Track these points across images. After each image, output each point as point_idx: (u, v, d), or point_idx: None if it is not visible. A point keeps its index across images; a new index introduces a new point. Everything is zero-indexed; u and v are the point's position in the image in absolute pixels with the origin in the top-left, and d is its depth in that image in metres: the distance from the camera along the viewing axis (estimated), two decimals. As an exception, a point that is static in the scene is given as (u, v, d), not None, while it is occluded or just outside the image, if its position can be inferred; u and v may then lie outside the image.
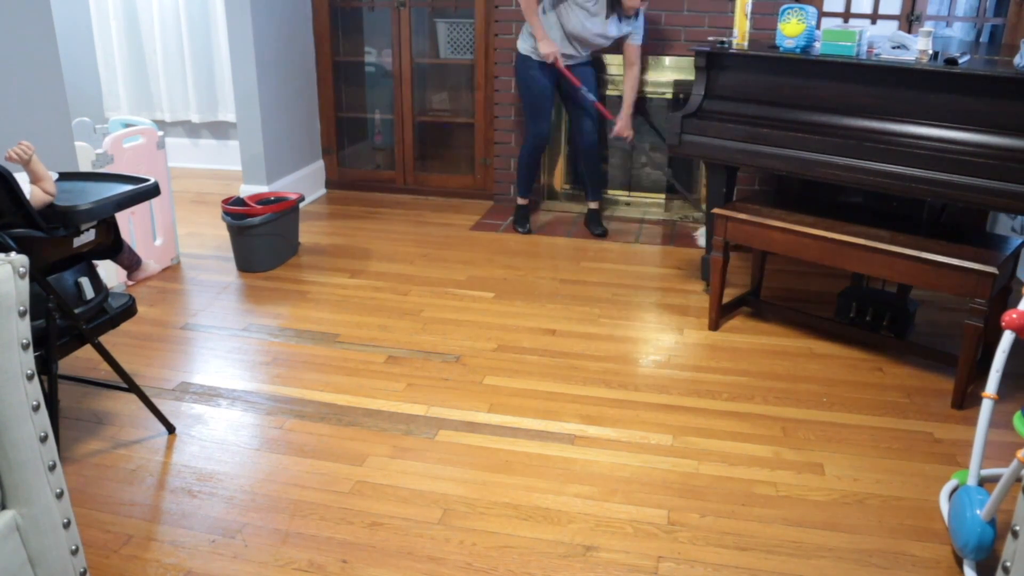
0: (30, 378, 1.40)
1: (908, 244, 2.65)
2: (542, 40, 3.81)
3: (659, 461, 2.34)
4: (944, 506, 2.13)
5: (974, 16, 4.20)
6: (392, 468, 2.29)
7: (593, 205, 4.29)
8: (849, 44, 2.88)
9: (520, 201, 4.30)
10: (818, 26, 3.10)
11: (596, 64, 4.16)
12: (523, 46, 3.95)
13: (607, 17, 3.79)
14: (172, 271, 3.72)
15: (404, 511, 2.11)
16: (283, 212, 3.73)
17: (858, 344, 3.03)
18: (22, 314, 1.39)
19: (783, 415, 2.58)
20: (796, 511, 2.13)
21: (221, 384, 2.74)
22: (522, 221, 4.28)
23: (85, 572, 1.54)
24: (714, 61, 3.20)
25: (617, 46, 4.00)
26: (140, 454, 2.35)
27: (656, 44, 4.24)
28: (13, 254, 1.38)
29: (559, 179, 4.62)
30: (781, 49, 3.04)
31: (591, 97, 3.96)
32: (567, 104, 4.13)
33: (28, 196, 1.97)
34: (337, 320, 3.22)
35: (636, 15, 3.86)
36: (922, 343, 2.99)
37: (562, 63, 3.87)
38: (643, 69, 4.10)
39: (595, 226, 4.26)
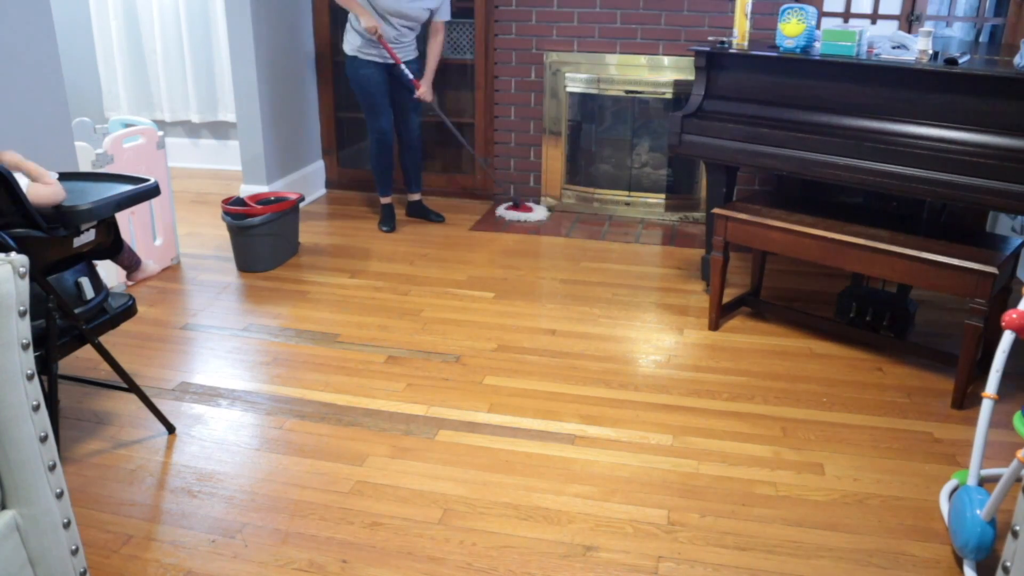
0: (30, 378, 1.40)
1: (908, 244, 2.65)
2: (364, 16, 3.86)
3: (659, 461, 2.34)
4: (944, 506, 2.13)
5: (974, 16, 4.20)
6: (392, 468, 2.29)
7: (416, 197, 4.48)
8: (849, 44, 2.88)
9: (383, 200, 4.35)
10: (818, 26, 3.10)
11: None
12: (348, 47, 4.03)
13: None
14: (172, 271, 3.72)
15: (404, 511, 2.11)
16: (283, 212, 3.73)
17: (858, 344, 3.03)
18: (22, 314, 1.39)
19: (783, 415, 2.58)
20: (796, 511, 2.13)
21: (221, 384, 2.74)
22: (387, 220, 4.32)
23: (85, 572, 1.54)
24: (714, 61, 3.20)
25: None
26: (140, 454, 2.35)
27: (656, 44, 4.24)
28: (13, 254, 1.38)
29: (558, 179, 4.63)
30: (781, 49, 3.04)
31: (408, 75, 4.05)
32: (393, 101, 4.17)
33: (26, 194, 1.97)
34: (337, 320, 3.22)
35: None
36: (922, 343, 2.99)
37: (384, 39, 3.94)
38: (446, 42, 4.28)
39: (431, 214, 4.47)
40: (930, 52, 2.76)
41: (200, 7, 5.20)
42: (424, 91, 4.11)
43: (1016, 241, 2.72)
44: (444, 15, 4.07)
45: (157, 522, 2.06)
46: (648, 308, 3.37)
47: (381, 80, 4.04)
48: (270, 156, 4.41)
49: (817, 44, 3.05)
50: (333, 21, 4.71)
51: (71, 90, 3.22)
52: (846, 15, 4.00)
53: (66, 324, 2.10)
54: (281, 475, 2.26)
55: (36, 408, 1.41)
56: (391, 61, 4.03)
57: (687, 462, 2.33)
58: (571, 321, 3.23)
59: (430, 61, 4.13)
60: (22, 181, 2.00)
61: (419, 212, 4.48)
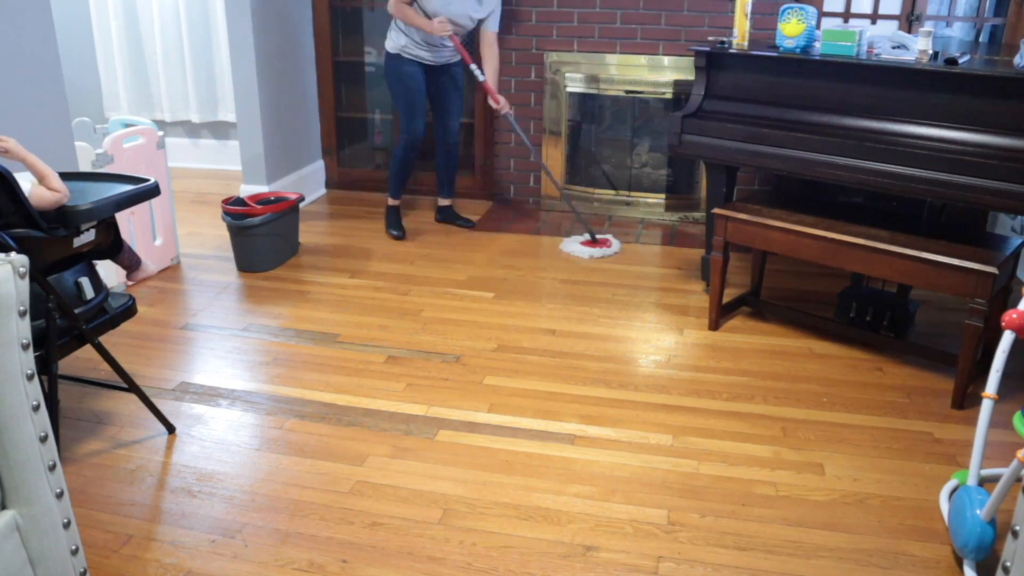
0: (30, 378, 1.40)
1: (908, 244, 2.65)
2: (430, 22, 3.77)
3: (659, 461, 2.34)
4: (944, 506, 2.13)
5: (974, 16, 4.20)
6: (392, 468, 2.29)
7: (447, 202, 4.40)
8: (849, 44, 2.88)
9: (391, 202, 4.27)
10: (818, 26, 3.10)
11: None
12: (391, 45, 3.96)
13: None
14: (172, 271, 3.72)
15: (404, 511, 2.11)
16: (283, 212, 3.73)
17: (858, 344, 3.03)
18: (22, 314, 1.39)
19: (783, 415, 2.58)
20: (796, 511, 2.13)
21: (221, 384, 2.74)
22: (395, 224, 4.23)
23: (85, 572, 1.54)
24: (714, 61, 3.20)
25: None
26: (140, 454, 2.35)
27: (656, 44, 4.24)
28: (13, 254, 1.38)
29: (558, 179, 4.62)
30: (781, 49, 3.04)
31: (481, 76, 3.98)
32: (434, 104, 4.12)
33: (28, 195, 1.97)
34: (337, 320, 3.22)
35: None
36: (922, 343, 2.99)
37: (456, 38, 3.87)
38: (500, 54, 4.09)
39: (460, 220, 4.37)
40: (930, 52, 2.76)
41: (200, 7, 5.20)
42: (503, 104, 4.02)
43: (1016, 241, 2.72)
44: (492, 26, 3.94)
45: (157, 522, 2.06)
46: (648, 308, 3.37)
47: (421, 80, 3.96)
48: (270, 156, 4.41)
49: (817, 44, 3.05)
50: (333, 21, 4.71)
51: (71, 90, 3.21)
52: (846, 15, 4.00)
53: (66, 324, 2.10)
54: (281, 475, 2.26)
55: (36, 408, 1.41)
56: (434, 62, 3.94)
57: (687, 462, 2.33)
58: (571, 321, 3.23)
59: (490, 76, 4.00)
60: (26, 182, 2.00)
61: (449, 217, 4.39)
